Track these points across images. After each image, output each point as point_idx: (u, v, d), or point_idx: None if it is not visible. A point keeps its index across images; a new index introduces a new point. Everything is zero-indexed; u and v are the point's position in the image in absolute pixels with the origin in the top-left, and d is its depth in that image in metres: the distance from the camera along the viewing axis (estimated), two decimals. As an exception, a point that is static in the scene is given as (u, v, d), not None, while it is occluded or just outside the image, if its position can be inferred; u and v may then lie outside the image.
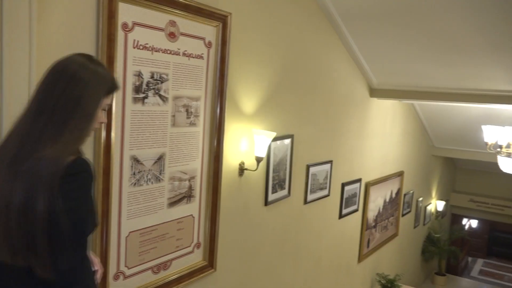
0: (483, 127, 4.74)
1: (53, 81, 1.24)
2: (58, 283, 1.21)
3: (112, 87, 1.35)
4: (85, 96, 1.24)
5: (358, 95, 4.83)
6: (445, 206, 9.83)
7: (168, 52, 2.30)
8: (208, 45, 2.55)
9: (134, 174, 2.21)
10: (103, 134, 2.00)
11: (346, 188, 4.79)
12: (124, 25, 2.05)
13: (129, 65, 2.10)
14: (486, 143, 4.76)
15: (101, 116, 1.34)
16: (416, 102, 6.39)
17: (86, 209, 1.26)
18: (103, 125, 1.99)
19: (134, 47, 2.11)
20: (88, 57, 1.34)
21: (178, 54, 2.36)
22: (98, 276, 1.53)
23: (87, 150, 1.98)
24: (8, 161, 1.19)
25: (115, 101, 2.03)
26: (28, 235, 1.15)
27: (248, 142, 3.03)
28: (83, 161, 1.25)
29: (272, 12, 3.17)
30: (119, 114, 2.08)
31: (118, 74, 2.03)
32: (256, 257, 3.35)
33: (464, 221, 13.67)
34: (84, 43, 1.92)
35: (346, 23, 3.94)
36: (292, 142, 3.58)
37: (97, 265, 1.54)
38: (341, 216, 4.77)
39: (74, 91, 1.22)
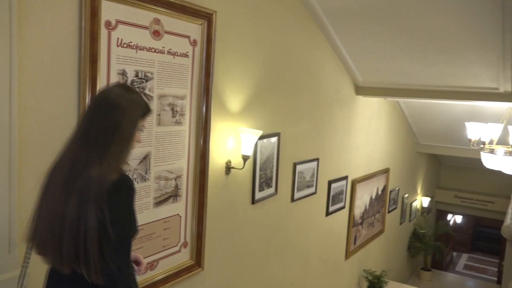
0: (467, 124, 4.81)
1: (95, 109, 1.46)
2: (105, 285, 1.37)
3: (146, 111, 1.54)
4: (123, 122, 1.43)
5: (344, 93, 4.86)
6: (430, 202, 9.97)
7: (153, 50, 2.29)
8: (193, 43, 2.54)
9: (119, 173, 2.19)
10: (87, 133, 1.97)
11: (333, 185, 4.82)
12: (108, 23, 2.02)
13: (113, 64, 2.07)
14: (470, 140, 4.83)
15: (138, 136, 1.53)
16: (401, 100, 6.46)
17: (129, 219, 1.46)
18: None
19: (118, 46, 2.09)
20: (124, 86, 1.61)
21: (163, 52, 2.35)
22: (142, 268, 1.77)
23: (71, 150, 1.95)
24: (62, 181, 1.40)
25: (99, 100, 2.00)
26: (79, 244, 1.33)
27: (234, 140, 3.03)
28: (126, 178, 1.45)
29: (258, 11, 3.17)
30: (103, 113, 2.06)
31: (101, 73, 2.01)
32: (243, 255, 3.35)
33: (449, 216, 13.87)
34: (67, 41, 1.89)
35: (332, 22, 3.96)
36: (278, 140, 3.59)
37: (141, 260, 1.76)
38: (328, 213, 4.80)
39: (113, 117, 1.42)
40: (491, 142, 4.78)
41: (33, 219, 1.45)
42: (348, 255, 5.53)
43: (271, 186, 3.58)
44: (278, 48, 3.50)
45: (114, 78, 2.09)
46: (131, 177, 1.45)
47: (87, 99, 1.95)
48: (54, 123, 1.88)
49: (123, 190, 1.42)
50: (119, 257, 1.40)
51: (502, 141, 4.96)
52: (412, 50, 4.11)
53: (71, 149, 1.44)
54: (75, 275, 1.39)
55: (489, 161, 4.75)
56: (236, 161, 3.03)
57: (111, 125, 1.42)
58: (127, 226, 1.45)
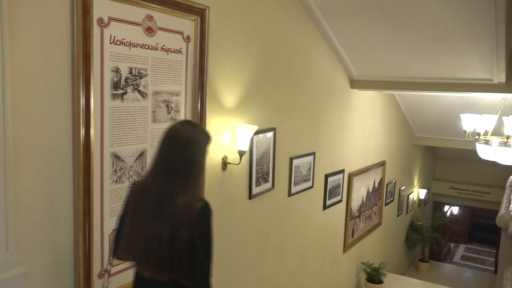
0: (462, 115, 4.83)
1: (173, 146, 1.72)
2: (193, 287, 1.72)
3: (208, 139, 1.83)
4: (197, 154, 1.74)
5: (339, 87, 4.86)
6: (427, 194, 10.02)
7: (146, 47, 2.28)
8: (187, 39, 2.53)
9: (115, 171, 2.19)
10: (82, 131, 1.97)
11: (330, 179, 4.84)
12: (100, 20, 2.02)
13: (106, 61, 2.07)
14: (465, 131, 4.86)
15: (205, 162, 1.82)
16: (396, 93, 6.47)
17: (212, 237, 1.76)
18: (82, 122, 1.96)
19: (111, 43, 2.08)
20: (189, 122, 1.98)
21: (156, 49, 2.34)
22: None
23: (66, 148, 1.95)
24: (152, 209, 1.70)
25: (93, 98, 2.00)
26: (174, 257, 1.67)
27: (230, 136, 3.03)
28: (207, 204, 1.74)
29: (251, 6, 3.16)
30: (97, 111, 2.05)
31: (95, 70, 2.01)
32: (241, 250, 3.37)
33: (446, 208, 13.95)
34: (59, 39, 1.88)
35: (325, 15, 3.96)
36: (274, 135, 3.59)
37: None
38: (325, 207, 4.82)
39: (189, 152, 1.71)
40: (486, 133, 4.81)
41: (127, 239, 1.78)
42: (346, 248, 5.56)
43: (268, 181, 3.59)
44: (272, 43, 3.50)
45: (108, 76, 2.08)
46: (209, 202, 1.79)
47: (81, 97, 1.94)
48: (48, 121, 1.88)
49: (206, 214, 1.74)
50: (204, 266, 1.73)
51: (497, 132, 4.99)
52: (406, 43, 4.12)
53: (155, 181, 1.73)
54: (171, 282, 1.73)
55: (484, 152, 4.78)
56: (232, 157, 3.04)
57: (188, 159, 1.71)
58: (211, 242, 1.76)
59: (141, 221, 1.73)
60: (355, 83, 5.16)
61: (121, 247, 1.80)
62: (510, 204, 1.86)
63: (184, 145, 1.71)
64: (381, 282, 6.00)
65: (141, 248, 1.72)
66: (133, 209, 1.79)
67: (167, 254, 1.68)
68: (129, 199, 1.84)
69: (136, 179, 2.10)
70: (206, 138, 1.82)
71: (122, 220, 1.85)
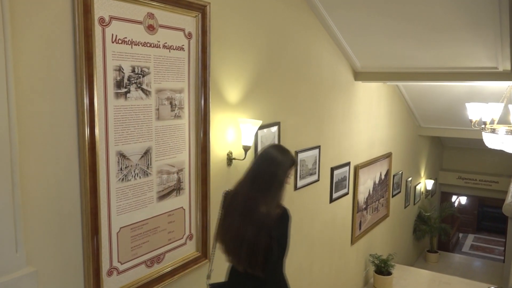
0: (467, 104, 4.79)
1: (261, 164, 2.17)
2: (268, 281, 2.12)
3: (292, 163, 2.21)
4: (279, 172, 2.11)
5: (342, 79, 4.84)
6: (434, 184, 9.98)
7: (148, 45, 2.28)
8: (188, 36, 2.53)
9: (121, 169, 2.20)
10: (87, 131, 1.98)
11: (335, 172, 4.83)
12: (101, 20, 2.02)
13: (109, 60, 2.07)
14: (471, 121, 4.82)
15: (288, 180, 2.17)
16: (400, 84, 6.44)
17: (288, 239, 2.14)
18: (86, 121, 1.97)
19: (112, 42, 2.09)
20: (278, 146, 2.35)
21: (158, 46, 2.34)
22: None
23: (71, 148, 1.97)
24: (239, 212, 2.12)
25: (97, 97, 2.01)
26: (253, 253, 2.04)
27: (234, 131, 3.03)
28: (285, 210, 2.13)
29: (252, 0, 3.15)
30: (101, 110, 2.07)
31: (98, 69, 2.01)
32: (249, 245, 3.37)
33: (453, 198, 13.89)
34: (61, 39, 1.89)
35: (327, 8, 3.93)
36: (279, 129, 3.59)
37: None
38: (332, 200, 4.82)
39: (272, 169, 2.11)
40: (492, 122, 4.77)
41: (220, 233, 2.24)
42: (353, 240, 5.56)
43: (274, 176, 3.59)
44: (274, 36, 3.49)
45: (111, 75, 2.09)
46: (287, 208, 2.17)
47: (85, 96, 1.96)
48: (53, 122, 1.89)
49: (286, 220, 2.13)
50: (278, 264, 2.15)
51: (503, 120, 4.95)
52: (409, 33, 4.09)
53: (244, 190, 2.15)
54: (247, 273, 2.12)
55: (491, 141, 4.74)
56: (237, 152, 3.04)
57: (271, 175, 2.10)
58: (286, 244, 2.14)
59: (231, 218, 2.16)
60: (359, 75, 5.14)
61: (218, 234, 2.28)
62: (517, 193, 1.85)
63: (268, 164, 2.13)
64: (389, 273, 6.00)
65: (229, 239, 2.16)
66: (226, 209, 2.24)
67: (247, 250, 2.05)
68: (225, 202, 2.28)
69: (227, 189, 2.35)
70: (290, 161, 2.20)
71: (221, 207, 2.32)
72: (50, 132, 1.88)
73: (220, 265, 2.41)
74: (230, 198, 2.23)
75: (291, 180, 2.32)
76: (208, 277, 2.41)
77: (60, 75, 1.90)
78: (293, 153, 3.92)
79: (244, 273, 2.14)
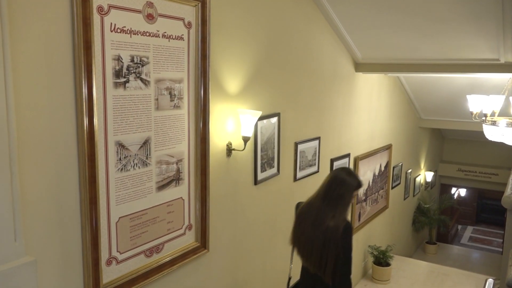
0: (468, 96, 4.77)
1: (331, 184, 2.55)
2: (333, 285, 2.49)
3: (358, 186, 2.60)
4: (346, 193, 2.53)
5: (343, 70, 4.82)
6: (434, 176, 9.99)
7: (147, 34, 2.27)
8: (188, 25, 2.51)
9: (120, 159, 2.20)
10: (86, 120, 1.97)
11: (335, 163, 4.83)
12: (100, 8, 2.00)
13: (108, 49, 2.06)
14: (472, 113, 4.80)
15: (353, 200, 2.62)
16: (401, 75, 6.41)
17: (351, 249, 2.53)
18: (85, 111, 1.97)
19: (111, 31, 2.07)
20: (347, 170, 2.72)
21: (157, 36, 2.33)
22: None
23: (70, 138, 1.96)
24: (311, 222, 2.54)
25: (96, 86, 2.00)
26: (321, 262, 2.46)
27: (234, 122, 3.02)
28: (349, 224, 2.54)
29: (252, -11, 3.12)
30: (100, 100, 2.05)
31: (96, 59, 2.00)
32: (248, 235, 3.39)
33: (453, 190, 13.91)
34: (59, 28, 1.87)
35: (328, -2, 3.90)
36: (279, 120, 3.58)
37: None
38: (331, 191, 4.82)
39: (341, 191, 2.52)
40: (493, 114, 4.75)
41: (294, 238, 2.70)
42: (353, 232, 5.57)
43: (273, 167, 3.60)
44: (275, 27, 3.46)
45: (110, 64, 2.08)
46: (350, 222, 2.63)
47: (83, 86, 1.94)
48: (51, 111, 1.88)
49: (349, 232, 2.52)
50: (345, 269, 2.50)
51: (504, 112, 4.93)
52: (411, 24, 4.06)
53: (316, 204, 2.58)
54: (317, 274, 2.55)
55: (491, 133, 4.73)
56: (237, 143, 3.04)
57: (339, 194, 2.51)
58: (350, 253, 2.52)
59: (304, 226, 2.60)
60: (360, 66, 5.11)
61: (292, 238, 2.72)
62: (516, 185, 1.86)
63: (338, 185, 2.52)
64: (388, 264, 6.03)
65: (301, 243, 2.62)
66: (299, 217, 2.68)
67: (317, 256, 2.48)
68: (297, 211, 2.74)
69: (300, 201, 2.87)
70: (356, 184, 2.59)
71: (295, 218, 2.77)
72: (48, 122, 1.87)
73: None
74: (302, 208, 2.69)
75: (356, 198, 2.79)
76: (288, 285, 3.00)
77: (58, 64, 1.89)
78: (292, 144, 3.92)
79: (314, 274, 2.59)
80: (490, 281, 4.17)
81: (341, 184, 2.53)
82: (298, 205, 2.81)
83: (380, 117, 6.23)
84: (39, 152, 1.86)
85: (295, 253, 2.76)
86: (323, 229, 2.46)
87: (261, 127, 3.32)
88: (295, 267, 2.92)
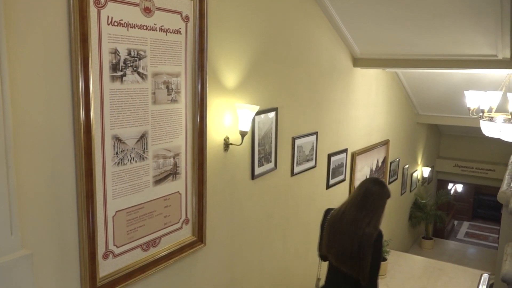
0: (466, 92, 4.78)
1: (369, 195, 2.72)
2: (366, 285, 2.67)
3: (389, 195, 2.80)
4: (381, 204, 2.74)
5: (341, 65, 4.81)
6: (431, 172, 10.02)
7: (145, 27, 2.25)
8: (186, 19, 2.50)
9: (117, 153, 2.19)
10: (82, 114, 1.97)
11: (333, 158, 4.84)
12: (96, 1, 1.98)
13: (104, 43, 2.05)
14: (469, 109, 4.82)
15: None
16: (399, 71, 6.41)
17: (381, 255, 2.78)
18: (81, 105, 1.96)
19: (108, 24, 2.06)
20: (378, 181, 2.85)
21: (154, 29, 2.31)
22: None
23: (67, 132, 1.95)
24: (347, 230, 2.71)
25: (92, 80, 1.99)
26: (356, 263, 2.65)
27: (231, 116, 3.02)
28: (381, 232, 2.71)
29: (250, -17, 3.11)
30: (97, 93, 2.04)
31: (93, 52, 1.99)
32: (245, 230, 3.40)
33: (450, 186, 13.96)
34: (56, 20, 1.86)
35: (327, -8, 3.89)
36: (276, 115, 3.58)
37: None
38: (328, 186, 4.84)
39: (377, 202, 2.72)
40: (490, 110, 4.77)
41: (327, 243, 2.85)
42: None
43: (271, 161, 3.60)
44: (273, 21, 3.45)
45: (107, 58, 2.07)
46: (381, 231, 2.78)
47: (80, 79, 1.93)
48: (48, 105, 1.87)
49: (380, 240, 2.72)
50: (376, 272, 2.73)
51: (501, 108, 4.95)
52: (409, 19, 4.05)
53: (351, 211, 2.75)
54: (348, 275, 2.74)
55: (489, 129, 4.75)
56: (234, 138, 3.03)
57: (376, 205, 2.72)
58: (380, 258, 2.78)
59: (338, 235, 2.76)
60: (358, 62, 5.11)
61: (322, 248, 2.91)
62: (512, 181, 1.88)
63: (375, 197, 2.73)
64: (384, 259, 6.06)
65: (337, 252, 2.77)
66: (331, 225, 2.83)
67: (351, 262, 2.69)
68: (328, 217, 2.91)
69: (329, 207, 3.05)
70: (387, 195, 2.80)
71: (322, 232, 2.94)
72: (45, 115, 1.87)
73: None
74: (335, 217, 2.84)
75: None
76: (316, 286, 3.21)
77: (54, 57, 1.87)
78: (290, 139, 3.92)
79: (343, 276, 2.78)
80: (486, 276, 4.19)
81: (378, 196, 2.74)
82: (327, 211, 2.98)
83: (378, 113, 6.23)
84: (35, 145, 1.85)
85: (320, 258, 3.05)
86: (360, 235, 2.65)
87: (258, 122, 3.32)
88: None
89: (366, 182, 2.83)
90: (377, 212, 2.71)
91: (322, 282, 3.11)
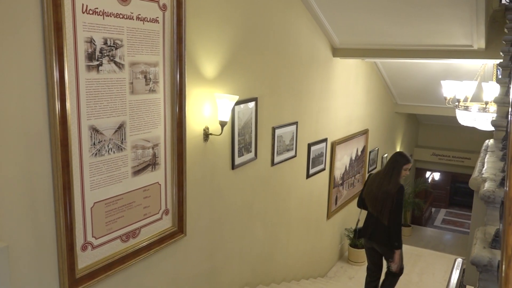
0: (442, 82, 4.87)
1: (389, 162, 4.02)
2: (390, 226, 3.83)
3: (407, 161, 3.97)
4: (397, 167, 3.93)
5: (321, 55, 4.84)
6: (409, 161, 10.19)
7: (121, 16, 2.22)
8: (163, 8, 2.47)
9: (94, 144, 2.17)
10: (58, 104, 1.93)
11: (313, 148, 4.88)
12: (71, -11, 1.94)
13: (79, 31, 2.01)
14: (445, 98, 4.91)
15: (404, 173, 3.95)
16: (378, 61, 6.47)
17: (401, 203, 3.85)
18: (56, 95, 1.92)
19: (83, 12, 2.02)
20: (399, 152, 4.18)
21: (131, 18, 2.28)
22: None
23: (42, 122, 1.92)
24: (376, 185, 3.98)
25: (67, 69, 1.96)
26: (382, 209, 3.86)
27: (211, 106, 3.01)
28: (403, 187, 3.91)
29: (229, -28, 3.08)
30: (72, 83, 2.01)
31: (68, 41, 1.95)
32: (226, 219, 3.41)
33: (427, 174, 14.26)
34: (28, 7, 1.81)
35: (306, -18, 3.88)
36: (256, 105, 3.58)
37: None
38: (308, 176, 4.88)
39: (394, 165, 3.94)
40: (465, 100, 4.87)
41: (366, 195, 4.05)
42: (329, 215, 5.68)
43: (251, 151, 3.61)
44: (252, 10, 3.43)
45: (82, 47, 2.03)
46: (404, 184, 4.07)
47: (55, 69, 1.90)
48: (21, 94, 1.83)
49: (401, 191, 3.85)
50: (397, 218, 3.84)
51: (476, 98, 5.06)
52: (388, 9, 4.09)
53: (380, 174, 4.01)
54: (378, 218, 3.92)
55: (464, 118, 4.86)
56: (214, 128, 3.03)
57: (394, 168, 3.91)
58: (401, 206, 3.83)
59: (372, 188, 3.98)
60: (337, 52, 5.14)
61: (364, 192, 4.11)
62: (483, 167, 1.92)
63: (392, 162, 3.97)
64: (363, 247, 6.17)
65: (370, 198, 3.98)
66: (369, 183, 4.06)
67: (378, 208, 3.88)
68: (369, 178, 4.16)
69: (372, 173, 4.35)
70: (405, 161, 3.95)
71: (363, 189, 4.18)
72: (18, 106, 1.83)
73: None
74: (371, 178, 4.09)
75: (408, 171, 4.06)
76: (356, 224, 4.45)
77: (27, 47, 1.83)
78: (270, 129, 3.93)
79: (377, 219, 3.92)
80: (459, 260, 4.34)
81: (394, 162, 3.94)
82: (369, 175, 4.21)
83: (357, 102, 6.30)
84: (8, 136, 1.81)
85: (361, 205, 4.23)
86: (384, 190, 3.85)
87: (238, 112, 3.32)
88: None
89: (393, 155, 4.07)
90: (394, 174, 3.86)
91: (360, 224, 4.33)
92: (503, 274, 0.47)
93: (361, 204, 4.17)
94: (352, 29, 4.74)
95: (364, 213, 4.23)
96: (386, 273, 4.15)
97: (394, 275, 4.10)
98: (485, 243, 1.33)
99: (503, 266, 0.49)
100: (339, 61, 5.29)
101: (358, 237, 4.31)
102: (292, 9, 4.06)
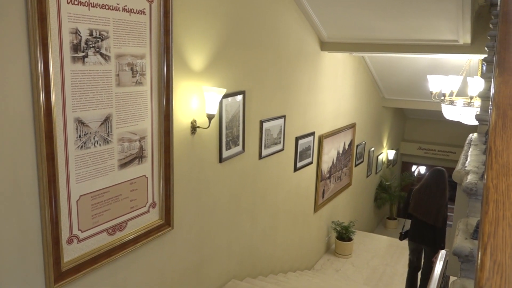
0: (428, 77, 4.92)
1: (437, 179, 4.63)
2: (439, 229, 4.54)
3: (446, 178, 4.65)
4: (446, 185, 4.61)
5: (309, 49, 4.84)
6: (396, 154, 10.32)
7: (107, 7, 2.19)
8: (150, -1, 2.44)
9: (79, 136, 2.15)
10: (42, 96, 1.91)
11: (300, 141, 4.90)
12: (55, -22, 1.91)
13: (64, 22, 1.98)
14: (431, 93, 4.96)
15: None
16: (366, 55, 6.51)
17: (446, 213, 4.67)
18: (41, 86, 1.90)
19: (68, 3, 1.99)
20: (443, 172, 4.71)
21: (117, 9, 2.25)
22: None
23: (26, 115, 1.89)
24: (428, 199, 4.56)
25: (52, 61, 1.93)
26: (435, 217, 4.51)
27: (198, 99, 3.00)
28: (447, 201, 4.73)
29: (217, -36, 3.06)
30: (57, 75, 1.99)
31: (52, 32, 1.92)
32: (213, 212, 3.42)
33: (414, 168, 14.41)
34: (11, -2, 1.78)
35: (294, -25, 3.87)
36: (244, 98, 3.58)
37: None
38: (296, 169, 4.91)
39: (444, 184, 4.61)
40: (451, 94, 4.93)
41: (416, 204, 4.62)
42: (316, 208, 5.73)
43: (238, 145, 3.61)
44: (240, 3, 3.42)
45: (67, 38, 2.00)
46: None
47: (39, 60, 1.87)
48: (4, 86, 1.80)
49: (447, 205, 4.62)
50: (445, 221, 4.56)
51: (462, 92, 5.13)
52: (376, 3, 4.10)
53: (431, 189, 4.56)
54: (427, 224, 4.55)
55: (449, 113, 4.92)
56: (202, 121, 3.02)
57: (444, 188, 4.58)
58: (447, 214, 4.61)
59: (423, 200, 4.51)
60: (325, 45, 5.15)
61: (412, 208, 4.64)
62: (466, 160, 1.96)
63: (442, 181, 4.55)
64: (350, 239, 6.25)
65: (422, 211, 4.52)
66: (418, 195, 4.59)
67: (432, 216, 4.43)
68: (413, 192, 4.72)
69: (413, 187, 4.89)
70: (446, 177, 4.51)
71: (411, 197, 4.71)
72: (2, 97, 1.80)
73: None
74: (419, 191, 4.61)
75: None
76: (402, 228, 4.94)
77: (11, 38, 1.80)
78: (258, 123, 3.94)
79: (423, 224, 4.51)
80: (443, 252, 4.42)
81: (444, 181, 4.55)
82: (411, 190, 4.86)
83: (345, 96, 6.33)
84: (-8, 128, 1.79)
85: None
86: (435, 203, 4.43)
87: (226, 105, 3.32)
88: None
89: (438, 172, 4.61)
90: (444, 191, 4.49)
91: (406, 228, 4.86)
92: (479, 261, 0.49)
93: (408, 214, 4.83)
94: (340, 23, 4.75)
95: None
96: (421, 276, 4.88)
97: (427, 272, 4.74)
98: (467, 234, 1.36)
99: (479, 253, 0.51)
100: (327, 55, 5.31)
101: (405, 239, 4.95)
102: (280, 2, 4.05)
